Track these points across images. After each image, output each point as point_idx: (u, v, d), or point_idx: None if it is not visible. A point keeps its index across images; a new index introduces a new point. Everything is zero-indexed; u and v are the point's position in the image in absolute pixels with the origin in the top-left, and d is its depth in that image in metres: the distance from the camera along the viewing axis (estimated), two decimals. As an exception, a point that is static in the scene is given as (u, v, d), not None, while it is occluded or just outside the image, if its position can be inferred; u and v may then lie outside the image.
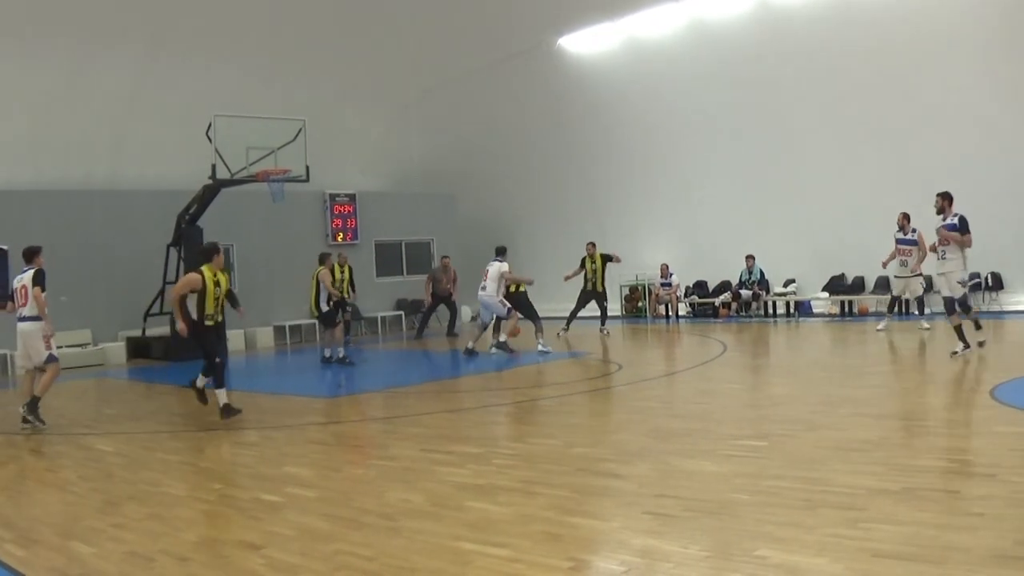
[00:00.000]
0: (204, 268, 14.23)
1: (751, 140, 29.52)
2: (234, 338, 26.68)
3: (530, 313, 21.80)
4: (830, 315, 28.64)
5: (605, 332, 26.39)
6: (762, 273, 29.38)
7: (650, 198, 32.57)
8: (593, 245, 26.85)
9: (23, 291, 14.45)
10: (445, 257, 30.16)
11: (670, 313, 31.18)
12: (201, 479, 10.55)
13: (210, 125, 23.21)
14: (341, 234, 31.97)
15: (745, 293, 29.52)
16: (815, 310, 29.53)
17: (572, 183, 34.21)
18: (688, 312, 31.85)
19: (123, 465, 11.32)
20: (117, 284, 26.70)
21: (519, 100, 33.88)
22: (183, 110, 26.81)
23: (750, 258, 29.24)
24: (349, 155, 33.96)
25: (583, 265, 26.76)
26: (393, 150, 36.31)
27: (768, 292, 29.81)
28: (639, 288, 32.64)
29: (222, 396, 14.17)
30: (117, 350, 26.13)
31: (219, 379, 14.27)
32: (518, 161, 34.52)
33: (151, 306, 25.86)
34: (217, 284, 14.28)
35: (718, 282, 31.29)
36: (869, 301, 28.59)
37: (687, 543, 6.84)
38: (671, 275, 31.19)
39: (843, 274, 29.26)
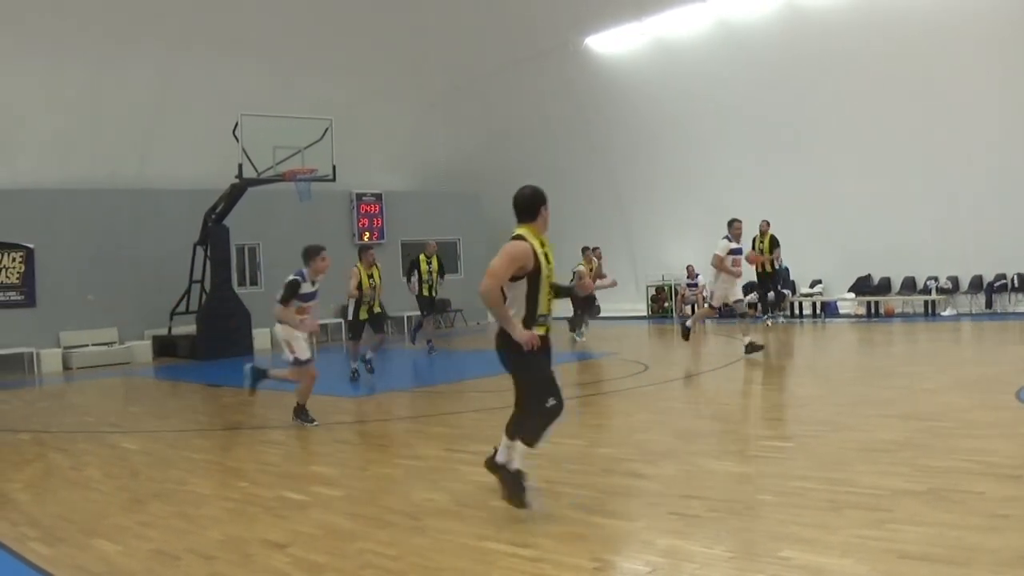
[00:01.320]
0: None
1: (777, 141, 29.45)
2: (260, 337, 26.75)
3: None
4: (856, 316, 28.58)
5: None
6: (786, 271, 29.26)
7: (677, 198, 32.56)
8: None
9: None
10: None
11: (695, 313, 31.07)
12: (227, 477, 10.58)
13: (237, 124, 23.34)
14: (368, 233, 32.06)
15: (770, 295, 29.40)
16: (841, 311, 29.48)
17: (598, 183, 34.20)
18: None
19: (149, 463, 11.38)
20: (143, 283, 26.83)
21: (545, 99, 33.91)
22: (210, 109, 26.93)
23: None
24: (375, 154, 33.98)
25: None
26: (419, 149, 36.32)
27: (795, 292, 29.78)
28: (665, 289, 32.64)
29: None
30: (143, 348, 26.28)
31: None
32: (544, 160, 34.44)
33: (177, 305, 25.98)
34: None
35: (744, 283, 31.22)
36: (895, 302, 28.53)
37: (711, 543, 6.84)
38: (698, 276, 31.18)
39: (869, 275, 29.19)
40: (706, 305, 21.09)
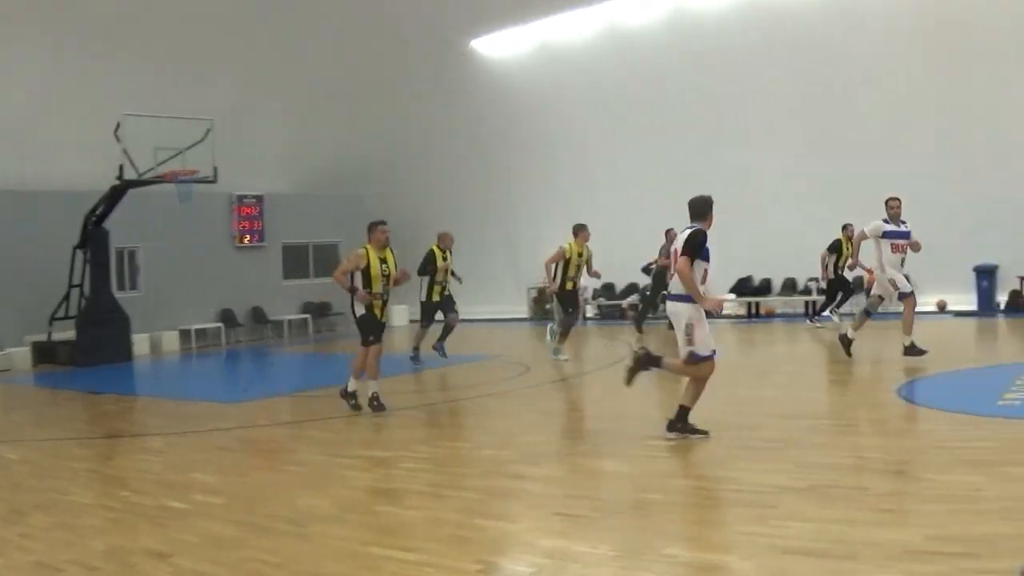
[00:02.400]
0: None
1: (664, 146, 29.69)
2: (139, 342, 26.36)
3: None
4: (737, 317, 28.87)
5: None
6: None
7: (563, 202, 32.58)
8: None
9: None
10: None
11: (585, 315, 31.19)
12: (108, 487, 10.39)
13: (118, 125, 22.93)
14: (247, 236, 31.66)
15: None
16: (724, 312, 29.75)
17: (486, 186, 34.13)
18: (596, 314, 31.93)
19: (29, 473, 11.14)
20: (22, 287, 26.20)
21: (432, 102, 33.79)
22: (91, 110, 26.35)
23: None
24: (258, 156, 33.59)
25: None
26: (303, 151, 35.91)
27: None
28: (536, 290, 32.71)
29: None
30: (22, 355, 25.70)
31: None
32: (431, 163, 34.34)
33: (56, 310, 25.48)
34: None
35: (625, 284, 31.39)
36: (776, 303, 28.90)
37: (596, 543, 6.87)
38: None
39: (750, 276, 29.51)
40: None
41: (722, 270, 28.84)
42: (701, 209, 10.98)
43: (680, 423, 10.62)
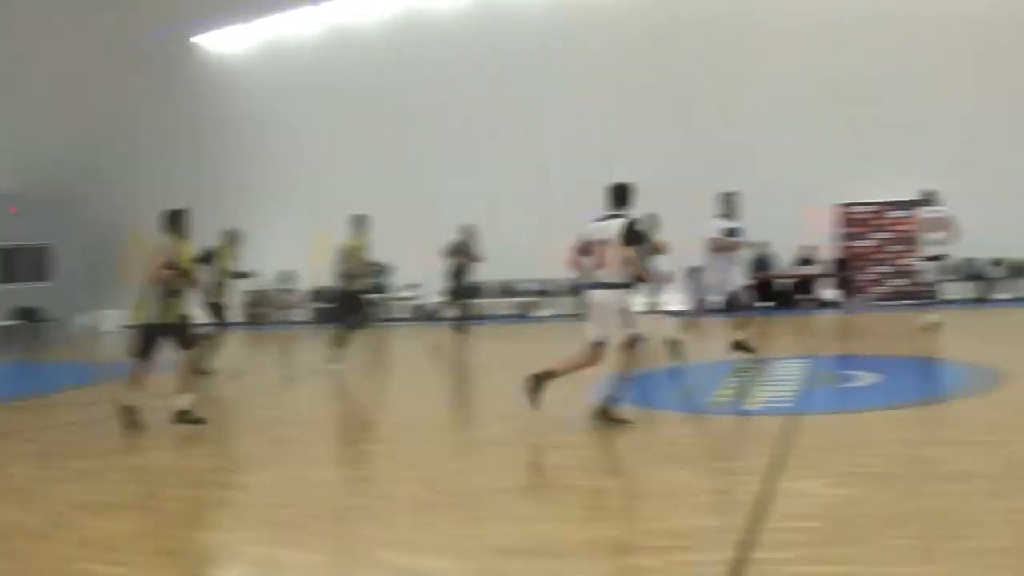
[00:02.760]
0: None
1: (379, 146, 29.74)
2: None
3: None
4: (450, 319, 29.06)
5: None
6: (387, 274, 29.52)
7: (280, 204, 32.25)
8: None
9: None
10: None
11: (291, 319, 30.95)
12: None
13: None
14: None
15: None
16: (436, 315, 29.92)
17: (208, 186, 33.47)
18: (309, 318, 31.69)
19: None
20: None
21: (154, 100, 33.00)
22: None
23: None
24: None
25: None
26: (14, 151, 34.62)
27: (392, 296, 30.01)
28: (260, 294, 32.28)
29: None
30: None
31: None
32: (152, 162, 33.33)
33: None
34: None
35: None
36: (487, 305, 29.18)
37: (308, 550, 6.74)
38: (292, 281, 31.00)
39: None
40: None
41: (436, 272, 29.13)
42: (624, 195, 10.92)
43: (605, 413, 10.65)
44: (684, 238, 19.75)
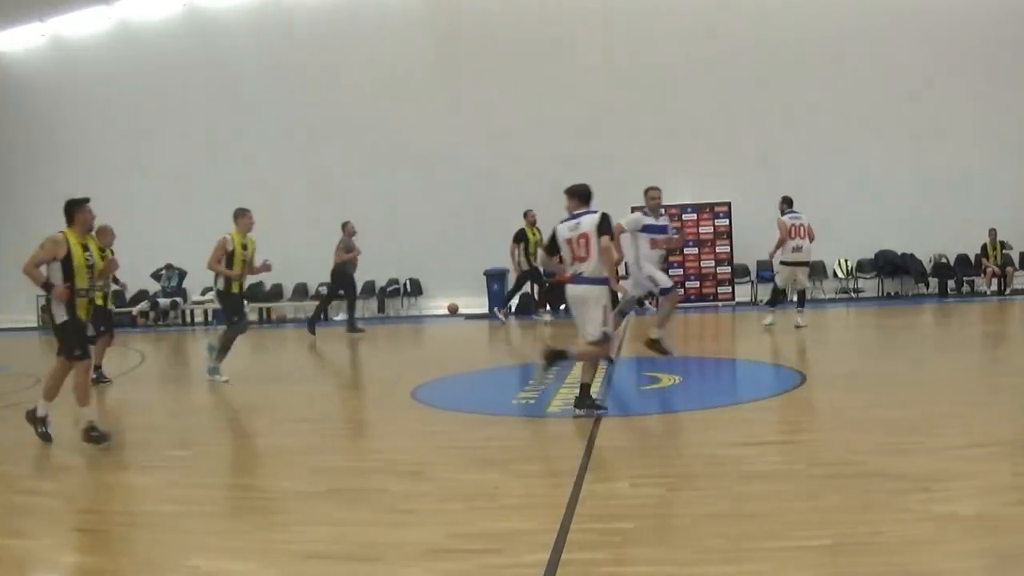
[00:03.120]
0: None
1: (178, 146, 29.42)
2: None
3: None
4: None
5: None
6: (181, 278, 29.19)
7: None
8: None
9: None
10: None
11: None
12: None
13: None
14: None
15: (163, 302, 29.17)
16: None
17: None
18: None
19: None
20: None
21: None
22: None
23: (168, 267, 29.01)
24: None
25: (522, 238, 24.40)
26: None
27: (186, 300, 29.66)
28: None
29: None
30: None
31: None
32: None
33: None
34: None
35: (136, 291, 30.67)
36: (288, 308, 29.05)
37: (119, 557, 6.65)
38: (124, 284, 30.37)
39: (261, 282, 29.48)
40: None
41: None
42: (588, 193, 11.42)
43: (586, 400, 11.00)
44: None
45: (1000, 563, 5.69)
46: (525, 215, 24.44)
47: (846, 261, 27.29)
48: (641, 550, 6.22)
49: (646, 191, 14.99)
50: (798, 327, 19.12)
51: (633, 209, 15.10)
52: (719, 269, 27.81)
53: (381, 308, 28.90)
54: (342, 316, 25.01)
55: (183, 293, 29.74)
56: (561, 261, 11.28)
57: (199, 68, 28.96)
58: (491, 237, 25.37)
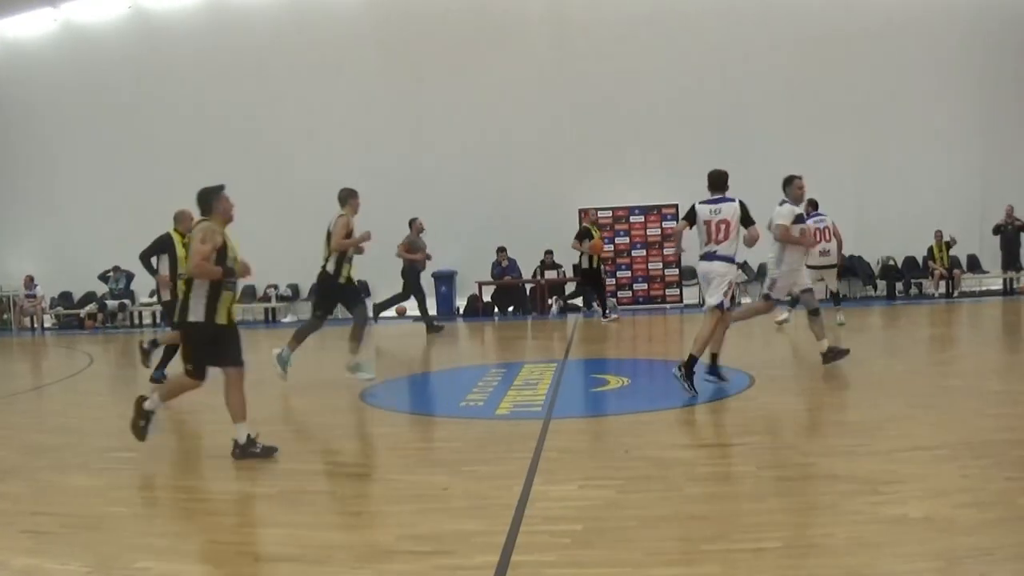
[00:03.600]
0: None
1: (123, 149, 29.24)
2: None
3: None
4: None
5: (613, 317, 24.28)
6: (128, 280, 29.05)
7: (14, 205, 31.31)
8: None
9: None
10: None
11: (35, 325, 30.12)
12: None
13: None
14: None
15: (111, 304, 29.01)
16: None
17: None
18: (54, 324, 30.86)
19: None
20: None
21: None
22: None
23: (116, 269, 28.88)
24: None
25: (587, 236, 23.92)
26: None
27: (134, 302, 29.50)
28: (2, 300, 31.32)
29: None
30: None
31: None
32: None
33: None
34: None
35: (83, 293, 30.49)
36: (234, 310, 28.99)
37: (67, 560, 6.60)
38: (35, 286, 30.14)
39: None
40: (761, 297, 15.02)
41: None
42: (725, 180, 12.76)
43: (715, 368, 12.89)
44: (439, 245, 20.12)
45: (950, 565, 5.75)
46: (585, 214, 24.91)
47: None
48: (591, 552, 6.27)
49: (792, 180, 14.23)
50: (840, 324, 19.26)
51: (782, 202, 14.10)
52: (667, 271, 27.94)
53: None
54: (291, 318, 24.96)
55: (131, 295, 29.56)
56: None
57: (144, 69, 28.85)
58: (438, 239, 25.37)
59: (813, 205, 19.47)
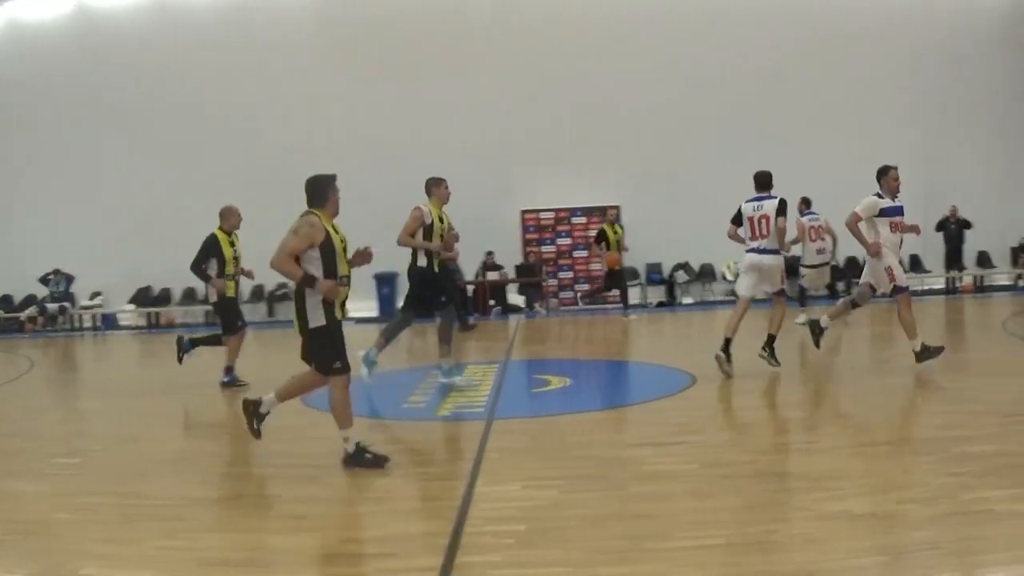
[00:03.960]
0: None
1: (68, 150, 28.97)
2: None
3: None
4: (137, 327, 28.57)
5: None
6: (69, 283, 28.84)
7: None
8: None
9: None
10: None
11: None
12: None
13: None
14: None
15: (52, 307, 28.77)
16: (122, 323, 29.31)
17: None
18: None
19: None
20: None
21: None
22: None
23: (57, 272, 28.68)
24: None
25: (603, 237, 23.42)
26: None
27: (74, 305, 29.30)
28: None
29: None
30: None
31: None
32: None
33: None
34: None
35: (24, 296, 30.20)
36: (177, 312, 28.85)
37: (12, 567, 6.57)
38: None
39: (150, 286, 29.24)
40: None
41: (124, 279, 28.57)
42: (769, 180, 14.00)
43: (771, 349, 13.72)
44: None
45: (894, 560, 5.86)
46: (605, 213, 24.77)
47: (735, 263, 27.59)
48: (535, 552, 6.31)
49: (886, 171, 13.53)
50: (801, 324, 18.95)
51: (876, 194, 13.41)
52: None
53: (271, 312, 28.73)
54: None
55: (71, 298, 29.34)
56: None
57: (91, 69, 28.61)
58: (380, 241, 25.35)
59: (806, 203, 20.14)
